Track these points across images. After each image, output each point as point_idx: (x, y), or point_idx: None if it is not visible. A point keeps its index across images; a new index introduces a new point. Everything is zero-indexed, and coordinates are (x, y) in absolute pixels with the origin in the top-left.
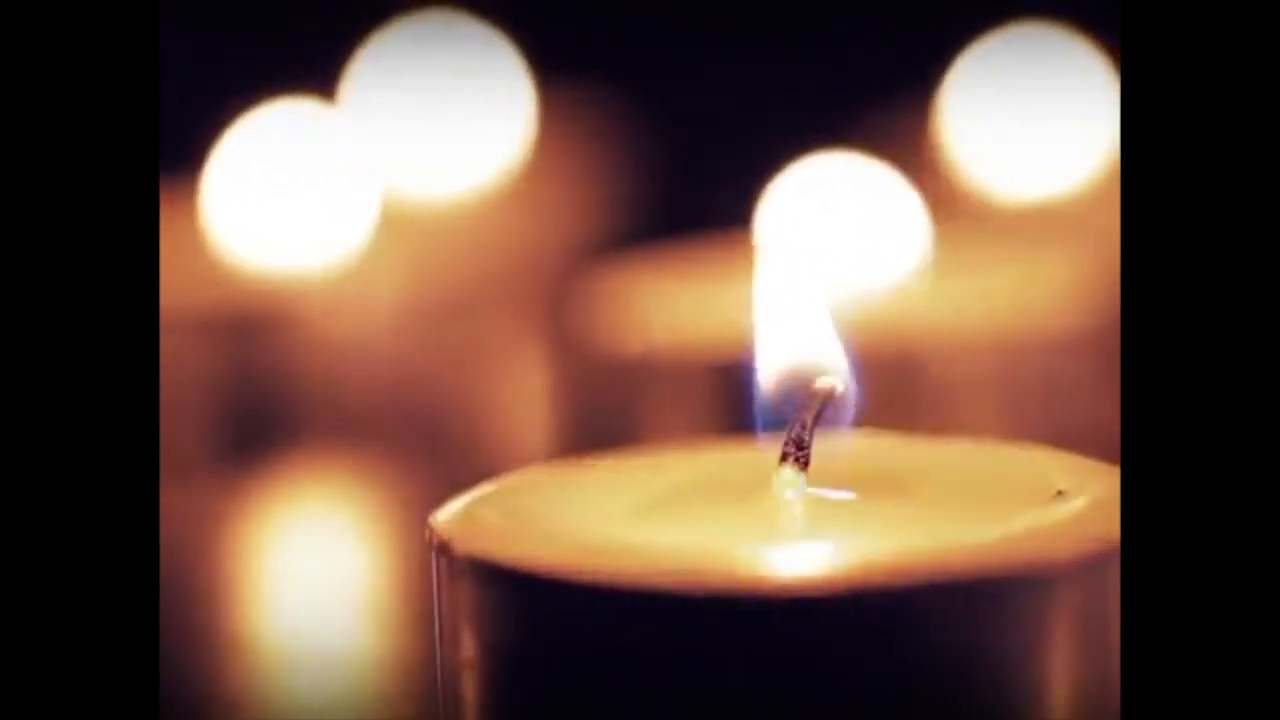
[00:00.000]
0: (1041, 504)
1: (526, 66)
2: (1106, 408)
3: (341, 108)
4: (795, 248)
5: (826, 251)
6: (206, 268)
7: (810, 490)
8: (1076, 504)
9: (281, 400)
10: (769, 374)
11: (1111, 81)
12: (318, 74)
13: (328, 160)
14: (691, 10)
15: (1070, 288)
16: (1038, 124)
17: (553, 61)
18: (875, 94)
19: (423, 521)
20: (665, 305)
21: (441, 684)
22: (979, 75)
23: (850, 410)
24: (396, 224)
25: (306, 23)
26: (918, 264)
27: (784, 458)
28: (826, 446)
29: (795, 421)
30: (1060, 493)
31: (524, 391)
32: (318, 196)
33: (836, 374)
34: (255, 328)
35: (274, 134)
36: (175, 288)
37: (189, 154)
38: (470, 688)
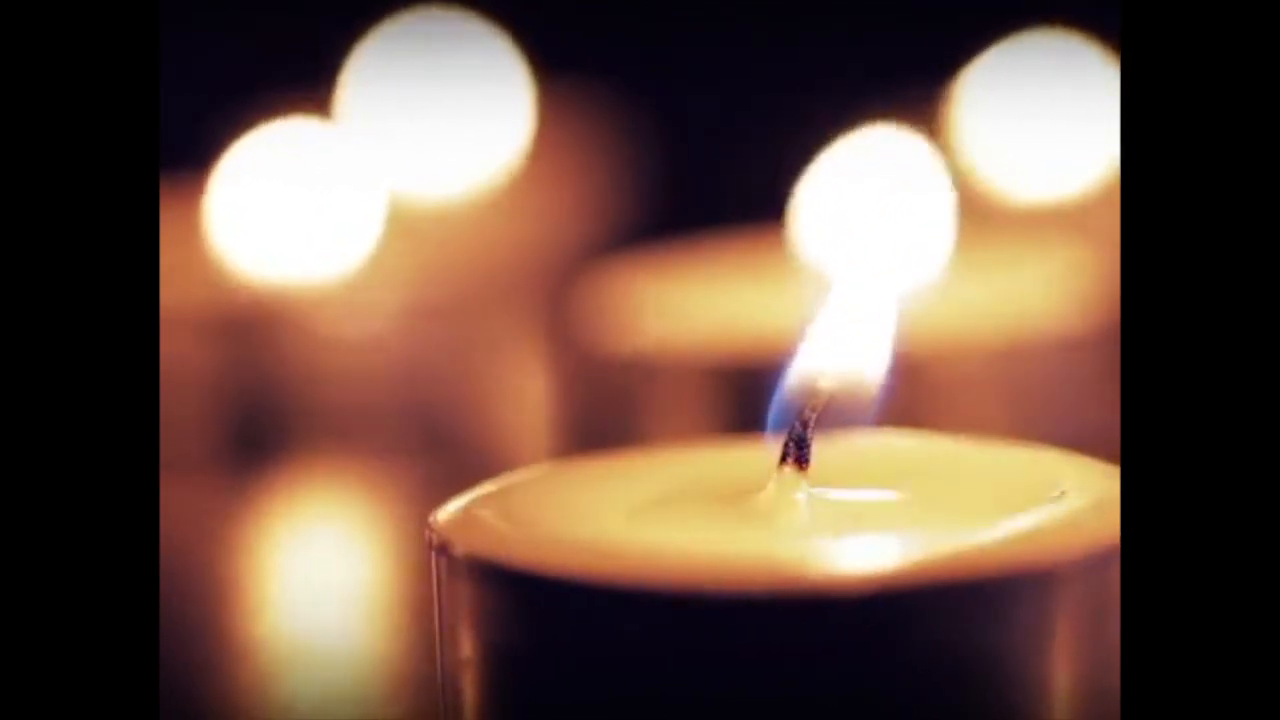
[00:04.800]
0: (1042, 504)
1: (524, 64)
2: (1106, 408)
3: (339, 110)
4: (868, 252)
5: (858, 248)
6: (210, 272)
7: (810, 490)
8: (1076, 504)
9: (282, 401)
10: (800, 376)
11: (1115, 84)
12: (314, 76)
13: (327, 163)
14: (692, 8)
15: (1070, 288)
16: (1041, 127)
17: (551, 59)
18: (880, 95)
19: (423, 521)
20: (665, 305)
21: (441, 684)
22: (984, 81)
23: (872, 411)
24: (396, 225)
25: (302, 23)
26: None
27: (784, 458)
28: (827, 447)
29: (795, 421)
30: (1060, 493)
31: (524, 391)
32: (318, 199)
33: (865, 378)
34: (257, 330)
35: (273, 138)
36: (180, 292)
37: (192, 161)
38: (470, 688)
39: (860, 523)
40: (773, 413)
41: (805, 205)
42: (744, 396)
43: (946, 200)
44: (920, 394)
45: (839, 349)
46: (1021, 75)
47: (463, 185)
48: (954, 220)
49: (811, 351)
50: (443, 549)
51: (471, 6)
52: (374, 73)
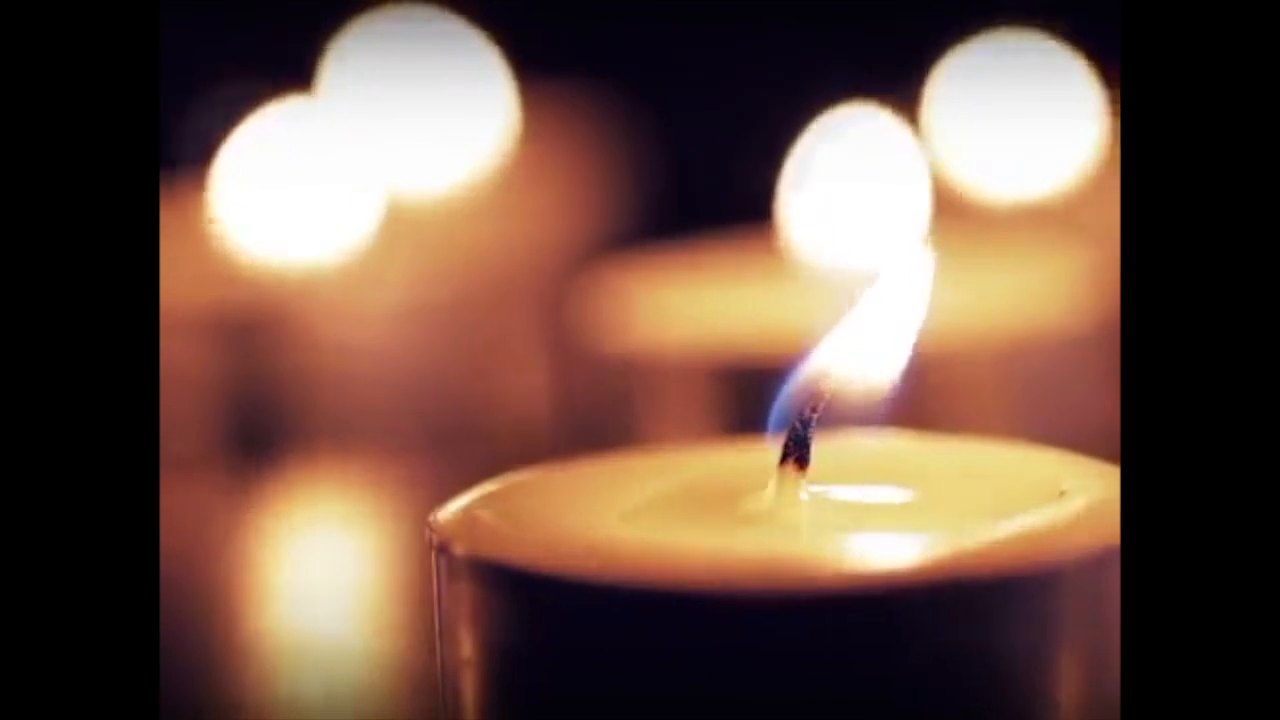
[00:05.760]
0: (1042, 504)
1: (520, 64)
2: (1106, 408)
3: (331, 110)
4: (896, 255)
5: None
6: (206, 268)
7: (810, 490)
8: (1076, 504)
9: (280, 401)
10: (807, 375)
11: (1108, 79)
12: (303, 76)
13: (322, 163)
14: (679, 5)
15: (1070, 288)
16: (1037, 123)
17: (544, 58)
18: (869, 89)
19: (423, 521)
20: (664, 305)
21: (441, 684)
22: (975, 73)
23: (882, 411)
24: (395, 224)
25: (290, 23)
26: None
27: (784, 458)
28: (827, 446)
29: (795, 421)
30: (1060, 493)
31: (524, 392)
32: (314, 200)
33: (878, 378)
34: (255, 328)
35: (268, 137)
36: (178, 292)
37: (186, 160)
38: (470, 688)
39: (861, 523)
40: (775, 412)
41: (799, 202)
42: (744, 396)
43: (927, 196)
44: (921, 394)
45: (859, 349)
46: (1019, 70)
47: (461, 186)
48: (951, 219)
49: (830, 350)
50: (443, 549)
51: (463, 6)
52: (366, 72)
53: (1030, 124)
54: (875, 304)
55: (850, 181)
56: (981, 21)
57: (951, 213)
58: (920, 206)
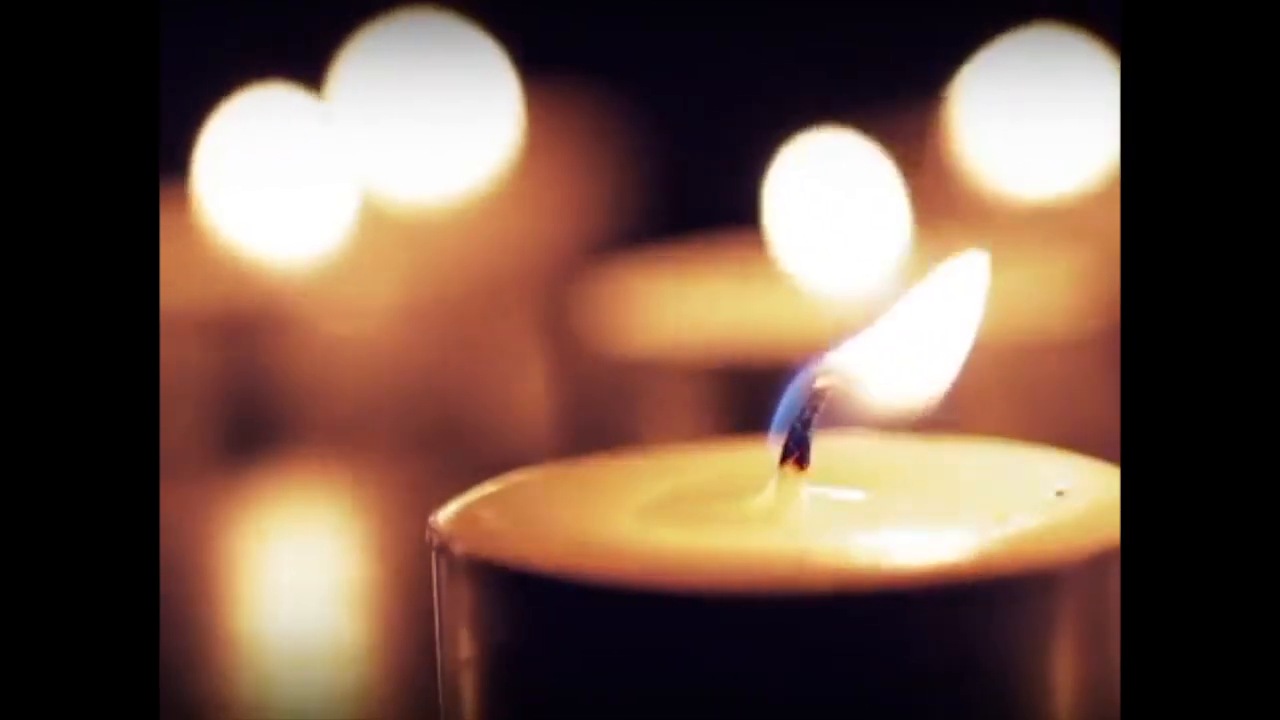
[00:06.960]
0: (1041, 504)
1: (515, 65)
2: (1106, 408)
3: (333, 111)
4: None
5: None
6: (202, 267)
7: (810, 490)
8: (1076, 504)
9: (279, 400)
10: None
11: (1116, 82)
12: (305, 76)
13: (321, 164)
14: (677, 6)
15: (1071, 288)
16: (1041, 126)
17: (541, 59)
18: (879, 95)
19: (423, 521)
20: (665, 306)
21: (441, 684)
22: (985, 78)
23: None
24: (396, 224)
25: (293, 24)
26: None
27: (784, 458)
28: (827, 446)
29: (795, 420)
30: (1060, 493)
31: (524, 392)
32: (313, 200)
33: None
34: (253, 327)
35: (267, 138)
36: (176, 293)
37: (183, 161)
38: (470, 688)
39: (861, 523)
40: (777, 412)
41: (799, 204)
42: (744, 396)
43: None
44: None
45: (893, 355)
46: (1021, 73)
47: (460, 186)
48: (953, 220)
49: (853, 354)
50: (443, 549)
51: (464, 8)
52: (369, 73)
53: (1047, 125)
54: (920, 312)
55: (844, 185)
56: (1005, 21)
57: (955, 213)
58: (905, 212)
